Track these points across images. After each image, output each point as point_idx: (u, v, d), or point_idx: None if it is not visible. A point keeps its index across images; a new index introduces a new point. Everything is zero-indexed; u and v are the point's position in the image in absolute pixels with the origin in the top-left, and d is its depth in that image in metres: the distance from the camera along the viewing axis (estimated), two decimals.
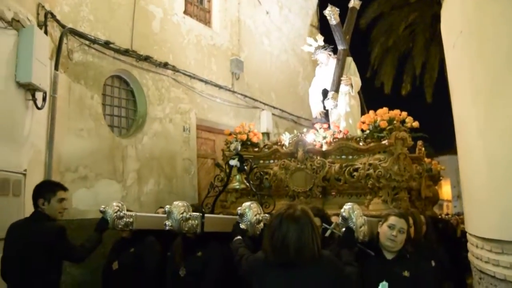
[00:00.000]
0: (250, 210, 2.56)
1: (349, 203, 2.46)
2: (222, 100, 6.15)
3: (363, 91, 5.26)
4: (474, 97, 2.32)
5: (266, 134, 6.60)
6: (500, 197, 2.06)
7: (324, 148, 4.03)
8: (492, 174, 2.14)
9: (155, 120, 5.00)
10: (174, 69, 5.35)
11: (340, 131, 4.19)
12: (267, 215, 2.92)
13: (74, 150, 4.01)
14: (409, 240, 2.43)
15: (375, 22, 10.12)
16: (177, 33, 5.51)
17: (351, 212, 2.40)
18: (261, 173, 4.09)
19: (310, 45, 5.08)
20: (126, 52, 4.72)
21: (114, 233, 3.07)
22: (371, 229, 2.49)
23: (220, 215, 3.32)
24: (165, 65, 5.21)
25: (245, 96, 6.62)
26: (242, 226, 2.51)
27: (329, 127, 4.39)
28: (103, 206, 2.79)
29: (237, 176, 3.61)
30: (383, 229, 2.26)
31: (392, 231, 2.19)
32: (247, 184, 3.70)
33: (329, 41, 5.08)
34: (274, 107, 7.25)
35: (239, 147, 3.76)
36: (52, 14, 3.86)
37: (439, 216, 4.81)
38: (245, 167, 3.70)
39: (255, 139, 4.45)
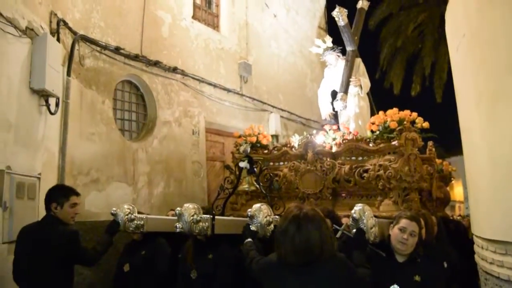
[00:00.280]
0: (261, 212, 2.56)
1: (359, 204, 2.45)
2: (231, 103, 6.19)
3: (372, 92, 5.23)
4: (477, 99, 2.33)
5: (275, 137, 6.61)
6: (503, 198, 2.06)
7: (334, 149, 4.02)
8: (495, 175, 2.15)
9: (164, 123, 5.06)
10: (183, 73, 5.41)
11: (350, 132, 4.18)
12: (277, 216, 2.92)
13: (86, 153, 4.08)
14: (421, 243, 2.41)
15: (384, 23, 10.06)
16: (186, 37, 5.57)
17: (362, 213, 2.39)
18: (271, 175, 4.10)
19: (319, 47, 5.07)
20: (136, 58, 4.79)
21: (126, 235, 3.10)
22: (382, 231, 2.47)
23: (231, 217, 3.32)
24: (174, 70, 5.27)
25: (253, 99, 6.65)
26: (252, 228, 2.51)
27: (338, 128, 4.38)
28: (114, 209, 2.79)
29: (247, 178, 3.62)
30: (394, 231, 2.24)
31: (403, 234, 2.17)
32: (257, 186, 3.71)
33: (338, 43, 5.08)
34: (282, 110, 7.26)
35: (249, 149, 3.77)
36: (64, 21, 3.95)
37: (451, 218, 4.74)
38: (255, 169, 3.70)
39: (264, 141, 4.46)
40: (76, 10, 4.22)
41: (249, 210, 2.60)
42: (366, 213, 2.40)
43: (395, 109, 3.89)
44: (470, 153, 2.58)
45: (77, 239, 2.52)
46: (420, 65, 10.11)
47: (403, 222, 2.21)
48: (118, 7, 4.70)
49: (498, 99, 2.09)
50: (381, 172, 3.61)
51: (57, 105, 3.61)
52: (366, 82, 4.76)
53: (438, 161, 4.74)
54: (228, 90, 6.14)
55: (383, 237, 2.40)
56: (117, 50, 4.58)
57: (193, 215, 2.52)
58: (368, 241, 2.35)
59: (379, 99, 6.20)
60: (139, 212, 2.94)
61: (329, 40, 5.07)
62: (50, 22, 3.77)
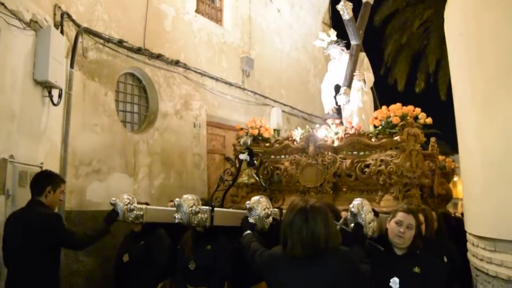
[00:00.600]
0: (259, 204, 2.57)
1: (358, 199, 2.45)
2: (232, 97, 6.19)
3: (377, 88, 5.19)
4: (472, 98, 2.36)
5: (277, 131, 6.59)
6: (493, 196, 2.08)
7: (336, 143, 4.01)
8: (486, 173, 2.17)
9: (166, 116, 5.08)
10: (185, 67, 5.41)
11: (353, 127, 4.15)
12: (276, 209, 2.93)
13: (88, 144, 4.11)
14: (419, 235, 2.40)
15: (390, 19, 9.97)
16: (189, 31, 5.57)
17: (360, 207, 2.39)
18: (271, 167, 4.09)
19: (323, 40, 5.04)
20: (139, 50, 4.80)
21: (126, 226, 3.13)
22: (380, 225, 2.47)
23: (230, 209, 3.33)
24: (177, 63, 5.27)
25: (255, 93, 6.64)
26: (250, 220, 2.50)
27: (341, 123, 4.36)
28: (113, 199, 2.81)
29: (247, 171, 3.62)
30: (391, 225, 2.23)
31: (400, 228, 2.16)
32: (256, 178, 3.71)
33: (342, 38, 5.04)
34: (284, 104, 7.24)
35: (249, 141, 3.76)
36: (68, 14, 3.96)
37: (453, 214, 4.71)
38: (255, 162, 3.70)
39: (266, 134, 4.46)
40: (79, 3, 4.23)
41: (248, 202, 2.61)
42: (365, 207, 2.40)
43: (398, 104, 3.86)
44: (464, 150, 2.62)
45: (59, 220, 2.54)
46: (424, 62, 10.01)
47: (400, 216, 2.20)
48: (122, 1, 4.71)
49: (492, 99, 2.11)
50: (383, 167, 3.60)
51: (60, 96, 3.64)
52: (370, 77, 4.72)
53: (440, 157, 4.70)
54: (230, 84, 6.14)
55: (382, 232, 2.39)
56: (120, 43, 4.59)
57: (192, 206, 2.52)
58: (366, 236, 2.35)
59: (383, 95, 6.17)
60: (139, 203, 2.96)
61: (333, 33, 5.02)
62: (54, 14, 3.79)
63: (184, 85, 5.39)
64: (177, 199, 2.57)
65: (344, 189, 3.95)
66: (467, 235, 2.62)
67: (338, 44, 4.90)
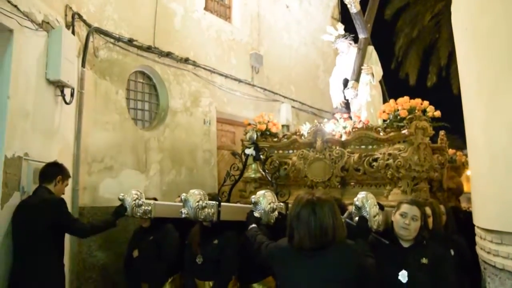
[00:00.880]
0: (264, 199, 2.57)
1: (363, 192, 2.44)
2: (242, 93, 6.22)
3: (387, 82, 5.14)
4: (479, 92, 2.34)
5: (286, 127, 6.60)
6: (501, 189, 2.06)
7: (343, 138, 4.00)
8: (493, 166, 2.15)
9: (176, 113, 5.15)
10: (195, 64, 5.46)
11: (361, 121, 4.13)
12: (281, 204, 2.95)
13: (100, 142, 4.21)
14: (425, 227, 2.39)
15: (401, 13, 9.81)
16: (198, 29, 5.62)
17: (365, 201, 2.38)
18: (278, 162, 4.11)
19: (331, 34, 5.01)
20: (148, 49, 4.88)
21: (135, 221, 3.19)
22: (386, 219, 2.45)
23: (237, 204, 3.37)
24: (186, 61, 5.33)
25: (265, 89, 6.65)
26: (256, 214, 2.51)
27: (350, 117, 4.34)
28: (122, 194, 2.86)
29: (253, 165, 3.64)
30: (396, 218, 2.22)
31: (404, 219, 2.15)
32: (263, 173, 3.72)
33: (350, 32, 5.00)
34: (294, 100, 7.23)
35: (255, 136, 3.78)
36: (79, 14, 4.05)
37: (465, 209, 4.64)
38: (261, 156, 3.71)
39: (274, 129, 4.47)
40: (90, 3, 4.32)
41: (253, 196, 2.62)
42: (369, 201, 2.39)
43: (406, 98, 3.82)
44: (471, 143, 2.61)
45: (62, 205, 2.63)
46: (436, 56, 9.84)
47: (404, 207, 2.19)
48: (131, 0, 4.78)
49: (498, 92, 2.10)
50: (391, 161, 3.58)
51: (72, 95, 3.72)
52: (378, 70, 4.68)
53: (451, 151, 4.63)
54: (239, 81, 6.17)
55: (388, 225, 2.38)
56: (130, 41, 4.67)
57: (198, 201, 2.55)
58: (371, 229, 2.35)
59: (395, 89, 6.09)
60: (148, 198, 3.02)
61: (341, 27, 4.99)
62: (66, 15, 3.88)
63: (193, 82, 5.45)
64: (184, 194, 2.60)
65: (352, 184, 3.94)
66: (475, 228, 2.59)
67: (346, 38, 4.88)
